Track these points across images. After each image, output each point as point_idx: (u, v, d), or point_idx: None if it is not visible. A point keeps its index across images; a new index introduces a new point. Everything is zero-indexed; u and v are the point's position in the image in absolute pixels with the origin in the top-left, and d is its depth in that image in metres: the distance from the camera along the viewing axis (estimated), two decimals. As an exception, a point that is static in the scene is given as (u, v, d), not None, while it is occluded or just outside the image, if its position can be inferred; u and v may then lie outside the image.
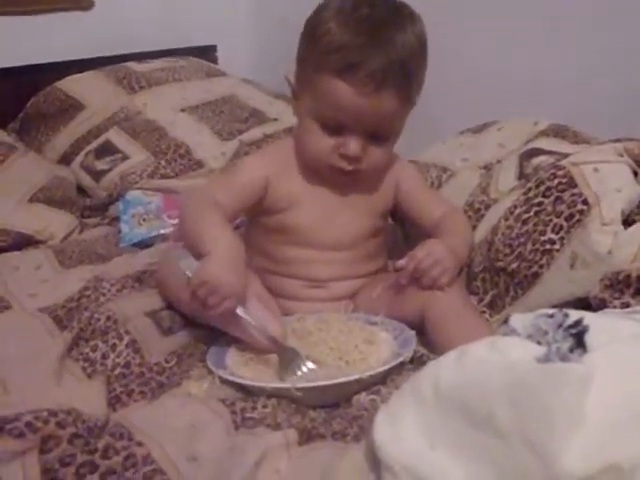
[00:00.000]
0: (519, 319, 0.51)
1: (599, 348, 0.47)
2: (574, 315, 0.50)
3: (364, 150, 1.12)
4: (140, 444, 0.81)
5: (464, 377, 0.47)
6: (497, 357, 0.46)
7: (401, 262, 1.12)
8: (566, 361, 0.46)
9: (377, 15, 1.08)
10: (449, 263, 1.10)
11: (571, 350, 0.47)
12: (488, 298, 1.16)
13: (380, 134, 1.13)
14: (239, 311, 1.00)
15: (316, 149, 1.14)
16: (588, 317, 0.50)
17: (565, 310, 0.51)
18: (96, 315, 1.12)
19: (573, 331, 0.49)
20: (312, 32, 1.12)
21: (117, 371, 1.03)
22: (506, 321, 0.52)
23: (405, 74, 1.08)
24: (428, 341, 1.09)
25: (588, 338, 0.48)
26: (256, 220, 1.24)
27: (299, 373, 0.98)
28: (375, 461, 0.48)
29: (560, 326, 0.49)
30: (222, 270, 0.99)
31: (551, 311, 0.51)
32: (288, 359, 0.99)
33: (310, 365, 0.99)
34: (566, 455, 0.40)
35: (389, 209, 1.27)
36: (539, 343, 0.49)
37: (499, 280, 1.15)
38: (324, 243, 1.20)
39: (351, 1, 1.11)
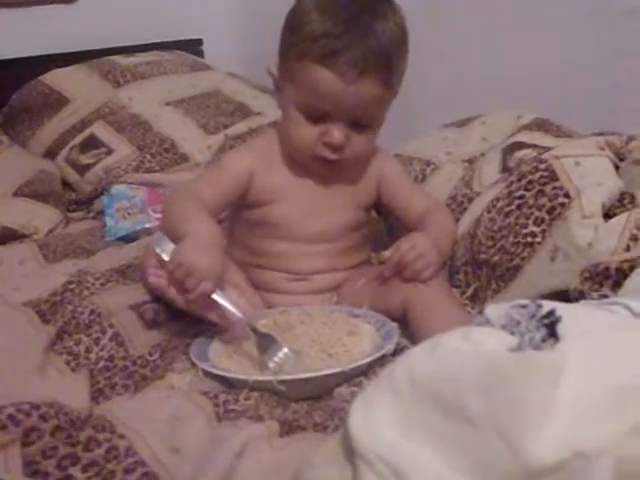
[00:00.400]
0: (493, 309, 0.52)
1: (571, 338, 0.47)
2: (547, 306, 0.51)
3: (347, 138, 1.13)
4: (122, 436, 0.81)
5: (437, 367, 0.47)
6: (469, 347, 0.47)
7: (385, 253, 1.13)
8: (538, 350, 0.47)
9: (357, 3, 1.10)
10: (432, 257, 1.10)
11: (543, 340, 0.48)
12: (470, 291, 1.17)
13: (362, 121, 1.14)
14: (216, 295, 1.01)
15: (300, 139, 1.15)
16: (561, 308, 0.50)
17: (538, 301, 0.52)
18: (80, 309, 1.12)
19: (546, 321, 0.49)
20: (293, 22, 1.14)
21: (101, 364, 1.03)
22: (481, 312, 0.53)
23: (387, 61, 1.09)
24: (411, 333, 1.10)
25: (560, 328, 0.48)
26: (239, 214, 1.24)
27: (276, 359, 0.98)
28: (351, 450, 0.49)
29: (533, 316, 0.50)
30: (198, 253, 0.99)
31: (524, 302, 0.52)
32: (265, 345, 1.00)
33: (287, 351, 0.99)
34: (536, 444, 0.41)
35: (372, 202, 1.27)
36: (512, 333, 0.49)
37: (481, 273, 1.16)
38: (307, 236, 1.20)
39: None
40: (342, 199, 1.22)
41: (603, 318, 0.51)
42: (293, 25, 1.14)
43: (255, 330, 1.02)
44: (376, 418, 0.49)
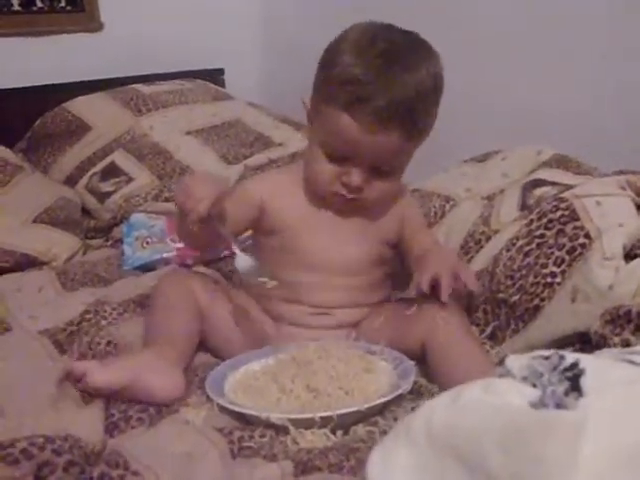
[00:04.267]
0: (515, 360, 0.51)
1: (594, 392, 0.47)
2: (570, 358, 0.50)
3: (367, 182, 1.13)
4: (135, 473, 0.80)
5: (457, 419, 0.47)
6: (491, 400, 0.46)
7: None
8: (561, 405, 0.46)
9: (392, 51, 1.08)
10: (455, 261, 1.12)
11: (566, 393, 0.47)
12: (489, 329, 1.16)
13: (383, 168, 1.13)
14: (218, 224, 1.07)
15: (320, 175, 1.15)
16: (584, 360, 0.49)
17: (561, 352, 0.51)
18: (96, 339, 1.12)
19: (569, 374, 0.48)
20: (327, 62, 1.13)
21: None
22: (502, 361, 0.52)
23: (411, 114, 1.08)
24: (429, 370, 1.09)
25: (584, 382, 0.48)
26: (261, 242, 1.24)
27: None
28: (368, 501, 0.48)
29: (555, 368, 0.49)
30: (198, 179, 1.07)
31: (547, 353, 0.51)
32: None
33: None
34: (558, 503, 0.40)
35: (396, 239, 1.26)
36: (534, 385, 0.49)
37: (500, 312, 1.15)
38: (329, 268, 1.19)
39: (369, 34, 1.11)
40: (365, 233, 1.21)
41: (627, 372, 0.50)
42: (326, 65, 1.13)
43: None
44: (393, 469, 0.48)
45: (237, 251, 1.09)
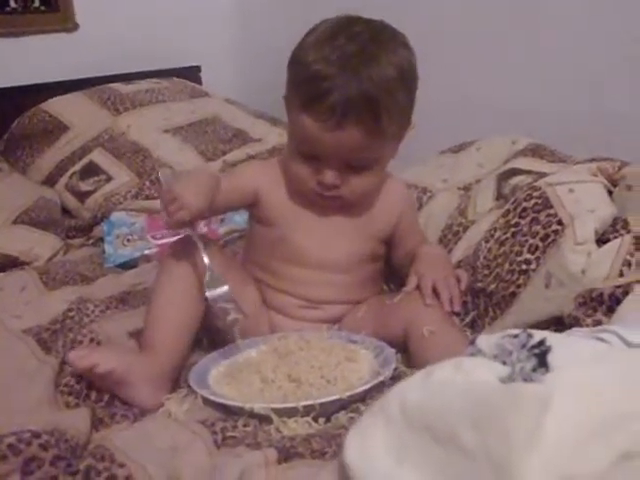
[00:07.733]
0: (485, 340, 0.53)
1: (561, 368, 0.49)
2: (537, 335, 0.52)
3: (342, 178, 1.12)
4: (122, 465, 0.81)
5: (430, 397, 0.48)
6: (461, 377, 0.48)
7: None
8: (528, 381, 0.48)
9: (352, 45, 1.06)
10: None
11: (534, 370, 0.49)
12: (469, 318, 1.17)
13: (357, 164, 1.12)
14: (190, 230, 1.11)
15: (297, 175, 1.16)
16: (551, 337, 0.51)
17: (529, 330, 0.53)
18: (79, 337, 1.12)
19: (536, 351, 0.50)
20: (291, 60, 1.13)
21: (102, 403, 1.02)
22: (473, 341, 0.54)
23: (372, 108, 1.05)
24: (410, 358, 1.10)
25: (550, 358, 0.50)
26: (257, 231, 1.25)
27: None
28: (347, 478, 0.50)
29: (524, 346, 0.51)
30: (188, 189, 1.06)
31: (516, 331, 0.53)
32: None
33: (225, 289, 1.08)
34: (524, 472, 0.42)
35: (390, 235, 1.26)
36: (504, 363, 0.51)
37: (479, 301, 1.16)
38: (317, 263, 1.20)
39: (331, 29, 1.10)
40: (357, 230, 1.21)
41: (592, 348, 0.52)
42: (291, 61, 1.13)
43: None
44: (370, 446, 0.50)
45: (209, 271, 1.09)
